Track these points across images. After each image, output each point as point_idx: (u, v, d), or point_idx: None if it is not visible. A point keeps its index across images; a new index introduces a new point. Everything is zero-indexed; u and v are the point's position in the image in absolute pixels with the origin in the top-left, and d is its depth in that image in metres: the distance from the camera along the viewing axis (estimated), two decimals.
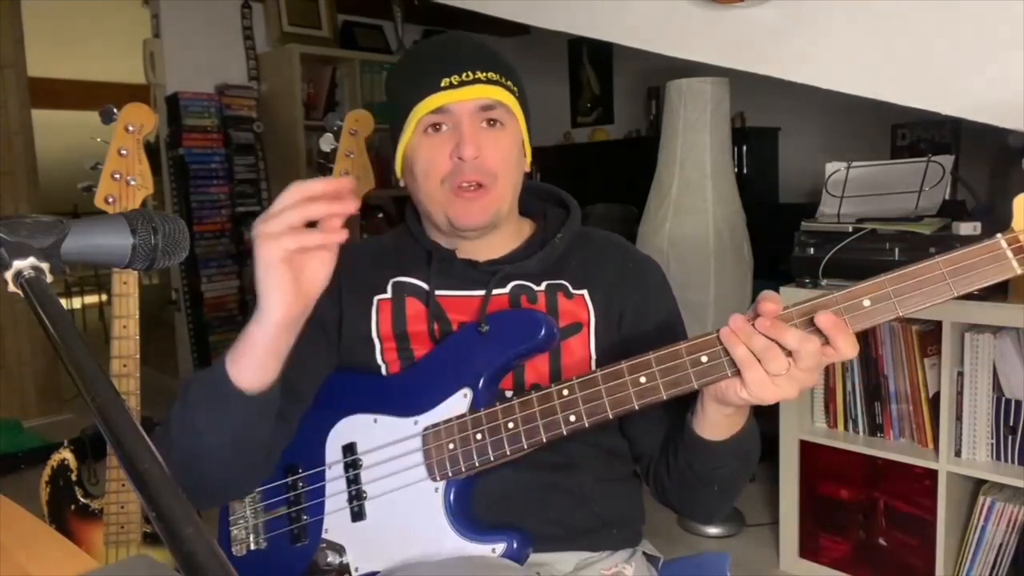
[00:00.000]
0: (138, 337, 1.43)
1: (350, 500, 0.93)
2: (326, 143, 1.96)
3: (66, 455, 1.52)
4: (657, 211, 2.47)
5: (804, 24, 1.56)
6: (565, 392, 0.84)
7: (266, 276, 0.75)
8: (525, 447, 0.85)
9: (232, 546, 1.00)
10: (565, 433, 0.84)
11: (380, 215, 3.97)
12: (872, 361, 1.97)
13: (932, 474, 1.86)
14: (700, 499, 0.96)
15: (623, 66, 4.29)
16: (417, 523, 0.89)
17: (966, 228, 1.74)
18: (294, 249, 0.74)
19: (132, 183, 1.42)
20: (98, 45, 5.88)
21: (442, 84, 0.91)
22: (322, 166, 2.00)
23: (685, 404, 0.87)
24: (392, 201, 4.06)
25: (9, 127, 3.53)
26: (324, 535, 0.94)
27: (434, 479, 0.88)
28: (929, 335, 1.89)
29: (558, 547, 0.94)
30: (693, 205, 2.40)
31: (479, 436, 0.87)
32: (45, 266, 0.57)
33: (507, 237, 1.01)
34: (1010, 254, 0.72)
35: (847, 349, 0.73)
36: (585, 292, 0.98)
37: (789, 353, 0.73)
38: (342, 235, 0.77)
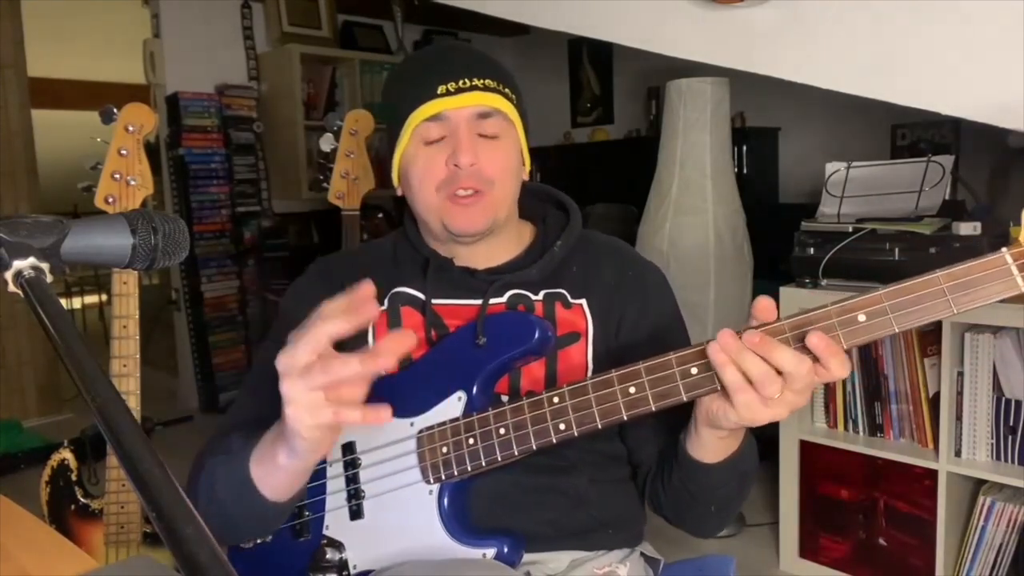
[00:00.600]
0: (138, 337, 1.44)
1: (349, 499, 0.93)
2: (326, 143, 1.97)
3: (66, 455, 1.52)
4: (657, 211, 2.47)
5: (804, 24, 1.56)
6: (555, 400, 0.83)
7: (312, 424, 0.70)
8: (516, 454, 0.85)
9: None
10: (555, 441, 0.83)
11: (380, 215, 3.96)
12: (872, 361, 1.97)
13: (932, 474, 1.86)
14: (696, 516, 0.95)
15: (623, 66, 4.29)
16: (411, 524, 0.89)
17: (966, 228, 1.75)
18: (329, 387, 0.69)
19: (132, 183, 1.42)
20: (98, 45, 5.88)
21: (439, 91, 0.90)
22: (322, 166, 2.01)
23: (681, 419, 0.85)
24: (392, 201, 4.06)
25: (9, 127, 3.53)
26: (325, 532, 0.94)
27: (428, 481, 0.88)
28: (929, 335, 1.89)
29: (552, 546, 0.94)
30: (693, 205, 2.40)
31: (471, 441, 0.86)
32: (45, 266, 0.57)
33: (506, 244, 1.00)
34: (1015, 270, 0.68)
35: (839, 371, 0.71)
36: (584, 301, 0.97)
37: (780, 373, 0.71)
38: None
